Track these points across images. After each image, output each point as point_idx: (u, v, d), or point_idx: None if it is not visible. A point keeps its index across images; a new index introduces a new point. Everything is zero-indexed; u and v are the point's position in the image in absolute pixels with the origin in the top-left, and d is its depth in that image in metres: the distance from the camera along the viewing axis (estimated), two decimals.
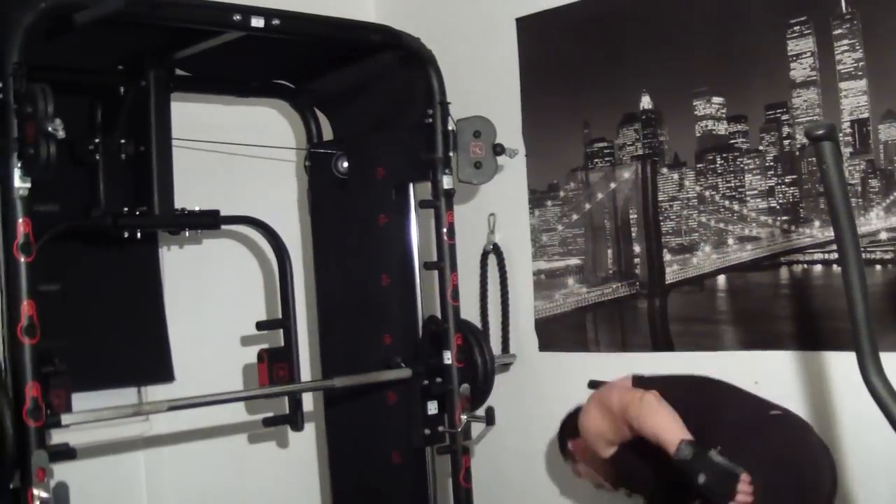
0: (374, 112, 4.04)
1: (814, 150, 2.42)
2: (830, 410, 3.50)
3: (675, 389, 3.20)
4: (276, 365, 3.86)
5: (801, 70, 3.53)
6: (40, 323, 2.81)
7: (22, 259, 2.80)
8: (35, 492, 2.78)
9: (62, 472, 2.86)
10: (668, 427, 3.03)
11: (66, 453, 2.91)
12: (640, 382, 3.31)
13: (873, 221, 3.38)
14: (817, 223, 3.49)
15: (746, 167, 3.65)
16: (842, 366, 3.43)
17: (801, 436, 3.15)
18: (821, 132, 2.37)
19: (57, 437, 2.97)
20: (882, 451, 3.35)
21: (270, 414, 4.03)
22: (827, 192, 2.42)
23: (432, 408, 3.81)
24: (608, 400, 3.25)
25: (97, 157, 3.60)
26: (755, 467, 2.93)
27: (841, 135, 3.38)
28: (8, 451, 2.76)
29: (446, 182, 3.72)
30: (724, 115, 3.72)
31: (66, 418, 2.95)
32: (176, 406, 3.46)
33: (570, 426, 3.50)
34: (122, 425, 3.99)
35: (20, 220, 2.80)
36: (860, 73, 3.40)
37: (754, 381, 3.61)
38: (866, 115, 3.39)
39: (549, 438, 4.14)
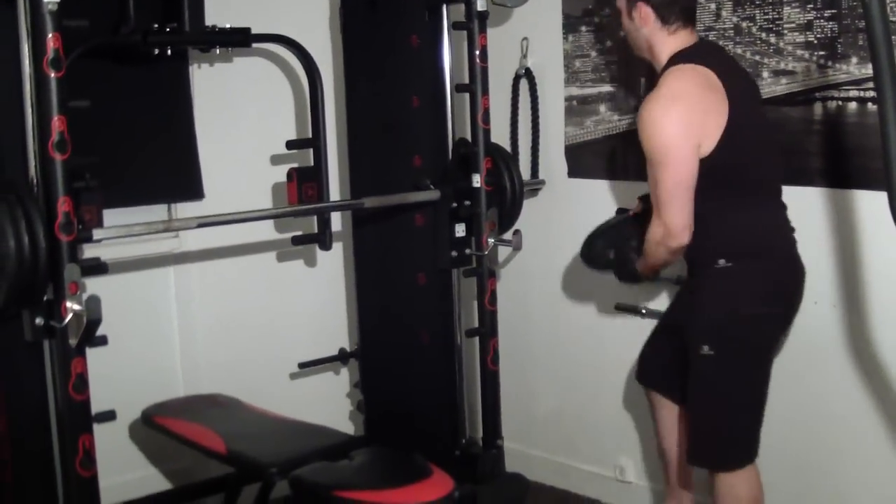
0: None
1: None
2: (858, 249, 3.50)
3: None
4: (305, 184, 3.88)
5: None
6: (71, 139, 2.82)
7: (52, 74, 2.79)
8: (68, 304, 2.84)
9: (94, 286, 2.91)
10: None
11: (97, 268, 2.95)
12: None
13: None
14: (855, 59, 3.43)
15: None
16: (872, 205, 3.42)
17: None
18: None
19: (88, 252, 3.01)
20: None
21: (299, 232, 4.08)
22: (868, 27, 2.37)
23: (459, 230, 3.83)
24: None
25: None
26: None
27: None
28: (41, 265, 2.80)
29: (480, 4, 3.67)
30: None
31: (97, 233, 2.99)
32: (205, 223, 3.50)
33: None
34: (152, 241, 4.05)
35: (49, 36, 2.78)
36: None
37: None
38: None
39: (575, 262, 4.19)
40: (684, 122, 3.16)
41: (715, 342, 3.23)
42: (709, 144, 3.17)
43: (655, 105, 3.19)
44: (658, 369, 3.68)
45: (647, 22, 3.30)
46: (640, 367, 3.79)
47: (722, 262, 3.24)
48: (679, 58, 3.27)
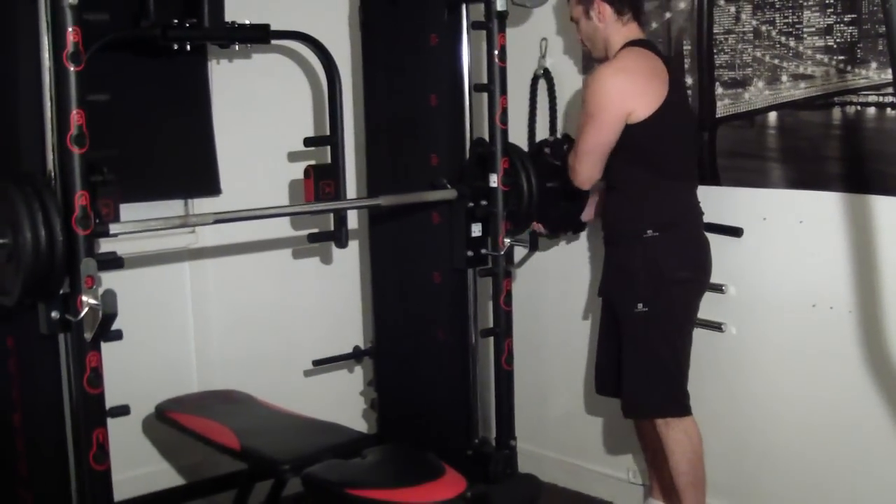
0: None
1: None
2: (874, 254, 3.49)
3: None
4: (322, 181, 3.88)
5: None
6: (89, 133, 2.83)
7: (71, 68, 2.80)
8: (84, 298, 2.85)
9: (110, 280, 2.92)
10: None
11: (113, 262, 2.96)
12: None
13: None
14: (874, 65, 3.42)
15: (805, 3, 3.56)
16: (890, 210, 3.41)
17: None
18: None
19: (105, 246, 3.02)
20: None
21: (315, 230, 4.08)
22: (888, 32, 2.37)
23: (476, 230, 3.82)
24: None
25: None
26: None
27: None
28: (57, 258, 2.81)
29: (500, 4, 3.66)
30: None
31: (114, 227, 2.99)
32: (222, 219, 3.49)
33: None
34: (168, 236, 4.06)
35: (70, 29, 2.78)
36: None
37: (799, 221, 3.62)
38: None
39: (591, 264, 4.18)
40: (624, 90, 3.58)
41: (648, 301, 3.62)
42: (640, 114, 3.56)
43: (605, 71, 3.61)
44: (611, 375, 3.85)
45: (605, 16, 3.67)
46: (598, 378, 3.97)
47: (650, 231, 3.60)
48: (632, 44, 3.67)
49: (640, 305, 3.62)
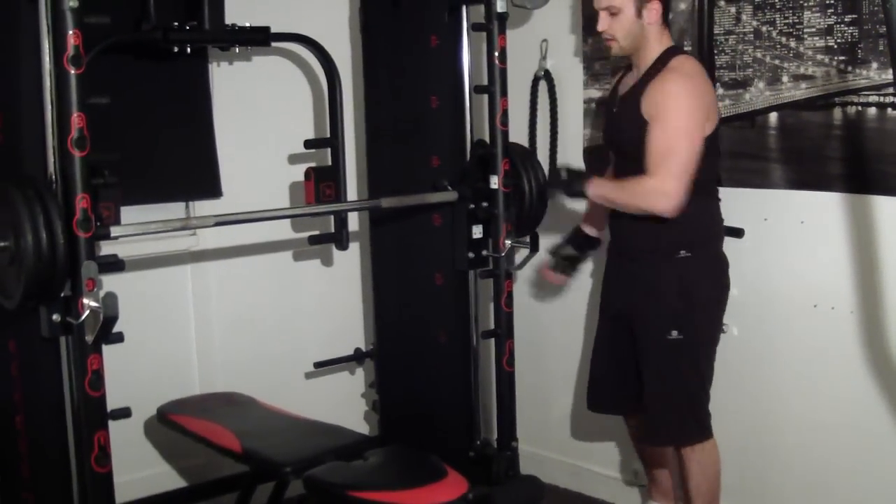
0: None
1: None
2: (876, 255, 3.49)
3: None
4: (323, 183, 3.88)
5: None
6: (90, 136, 2.83)
7: (72, 71, 2.80)
8: (85, 301, 2.84)
9: (111, 283, 2.92)
10: None
11: (115, 265, 2.96)
12: None
13: None
14: (875, 65, 3.42)
15: (806, 4, 3.56)
16: (890, 210, 3.41)
17: None
18: None
19: (106, 248, 3.02)
20: None
21: (316, 232, 4.08)
22: (889, 32, 2.37)
23: (477, 231, 3.81)
24: None
25: None
26: None
27: None
28: (59, 261, 2.81)
29: (500, 5, 3.65)
30: None
31: (115, 230, 2.99)
32: (223, 221, 3.49)
33: None
34: (169, 239, 4.07)
35: (70, 32, 2.78)
36: None
37: (800, 221, 3.62)
38: None
39: (592, 265, 4.18)
40: (708, 102, 3.48)
41: (682, 327, 3.50)
42: (708, 129, 3.46)
43: (682, 79, 3.43)
44: (610, 392, 3.83)
45: (655, 18, 3.50)
46: (594, 395, 3.90)
47: (683, 252, 3.50)
48: (677, 50, 3.57)
49: (673, 333, 3.51)
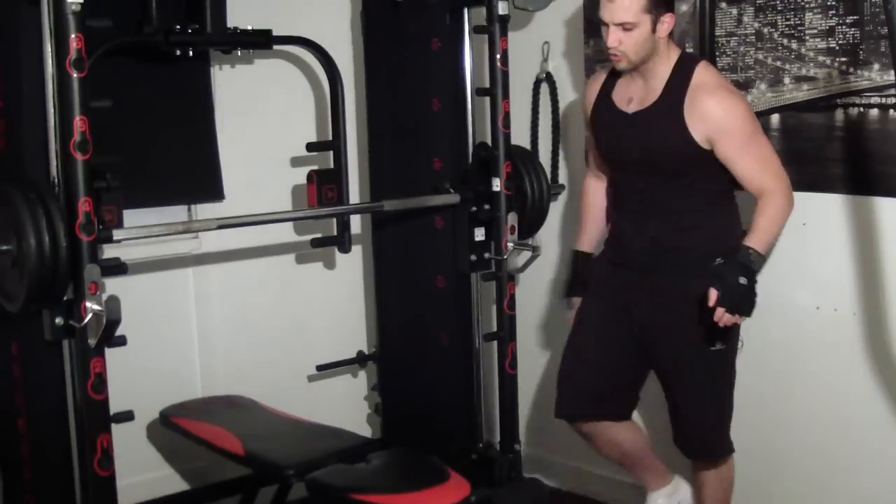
0: None
1: None
2: (879, 256, 3.49)
3: None
4: (325, 186, 3.89)
5: None
6: (92, 139, 2.83)
7: (74, 75, 2.80)
8: (87, 304, 2.85)
9: (114, 286, 2.92)
10: None
11: (117, 268, 2.96)
12: None
13: None
14: (877, 66, 3.41)
15: (807, 5, 3.56)
16: (893, 212, 3.41)
17: None
18: None
19: (109, 252, 3.02)
20: None
21: (318, 235, 4.09)
22: (890, 34, 2.37)
23: (479, 234, 3.81)
24: None
25: None
26: None
27: None
28: (61, 264, 2.81)
29: (501, 7, 3.66)
30: None
31: (117, 233, 3.00)
32: (225, 224, 3.50)
33: None
34: (172, 242, 4.07)
35: (72, 36, 2.79)
36: None
37: (802, 223, 3.62)
38: None
39: None
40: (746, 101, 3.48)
41: (725, 337, 3.38)
42: None
43: (728, 92, 3.36)
44: (592, 396, 3.63)
45: (668, 30, 3.35)
46: (571, 403, 3.68)
47: (719, 260, 3.33)
48: (692, 57, 3.50)
49: (718, 344, 3.39)
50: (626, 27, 3.29)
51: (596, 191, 3.77)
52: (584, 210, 3.82)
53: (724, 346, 3.42)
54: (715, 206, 3.45)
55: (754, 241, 3.27)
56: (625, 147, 3.50)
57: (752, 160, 3.32)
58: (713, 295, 3.19)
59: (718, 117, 3.29)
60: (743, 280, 3.22)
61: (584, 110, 3.70)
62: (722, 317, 3.21)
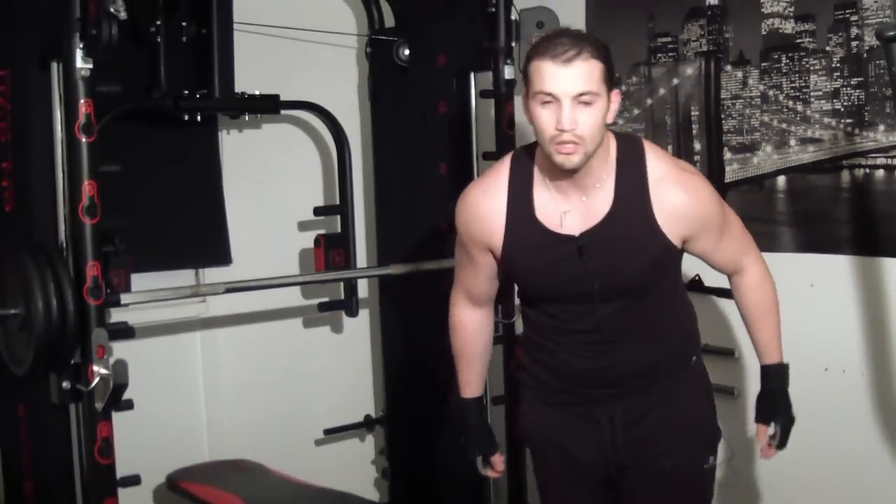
0: None
1: (884, 51, 2.38)
2: (886, 317, 3.48)
3: None
4: (332, 250, 3.90)
5: None
6: (101, 203, 2.85)
7: (83, 139, 2.83)
8: (95, 368, 2.85)
9: (121, 350, 2.92)
10: None
11: (124, 332, 2.97)
12: None
13: None
14: (882, 127, 3.43)
15: (812, 67, 3.59)
16: None
17: None
18: (891, 33, 2.33)
19: (116, 315, 3.03)
20: None
21: (326, 299, 4.09)
22: (894, 95, 2.38)
23: None
24: None
25: (158, 40, 3.61)
26: None
27: None
28: (69, 328, 2.81)
29: (507, 72, 3.69)
30: (791, 14, 3.64)
31: (125, 297, 3.01)
32: (233, 288, 3.51)
33: None
34: (179, 306, 4.06)
35: (82, 101, 2.82)
36: None
37: (810, 284, 3.62)
38: None
39: None
40: None
41: (715, 450, 2.89)
42: None
43: (690, 173, 2.71)
44: None
45: (615, 112, 2.61)
46: None
47: (694, 358, 2.88)
48: (626, 138, 2.77)
49: (711, 459, 2.84)
50: (584, 100, 2.46)
51: (474, 324, 3.06)
52: (464, 348, 3.08)
53: (715, 462, 2.87)
54: (676, 294, 2.84)
55: (777, 353, 2.94)
56: (576, 279, 2.67)
57: (730, 244, 2.77)
58: (768, 434, 2.88)
59: (695, 212, 2.65)
60: (793, 410, 2.89)
61: (474, 238, 2.85)
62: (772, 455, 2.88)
